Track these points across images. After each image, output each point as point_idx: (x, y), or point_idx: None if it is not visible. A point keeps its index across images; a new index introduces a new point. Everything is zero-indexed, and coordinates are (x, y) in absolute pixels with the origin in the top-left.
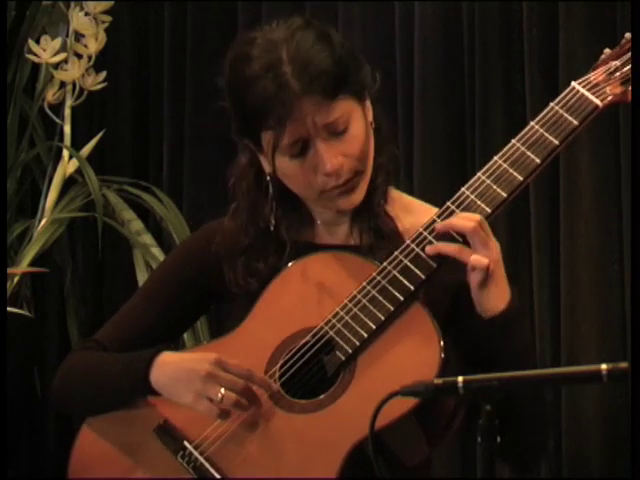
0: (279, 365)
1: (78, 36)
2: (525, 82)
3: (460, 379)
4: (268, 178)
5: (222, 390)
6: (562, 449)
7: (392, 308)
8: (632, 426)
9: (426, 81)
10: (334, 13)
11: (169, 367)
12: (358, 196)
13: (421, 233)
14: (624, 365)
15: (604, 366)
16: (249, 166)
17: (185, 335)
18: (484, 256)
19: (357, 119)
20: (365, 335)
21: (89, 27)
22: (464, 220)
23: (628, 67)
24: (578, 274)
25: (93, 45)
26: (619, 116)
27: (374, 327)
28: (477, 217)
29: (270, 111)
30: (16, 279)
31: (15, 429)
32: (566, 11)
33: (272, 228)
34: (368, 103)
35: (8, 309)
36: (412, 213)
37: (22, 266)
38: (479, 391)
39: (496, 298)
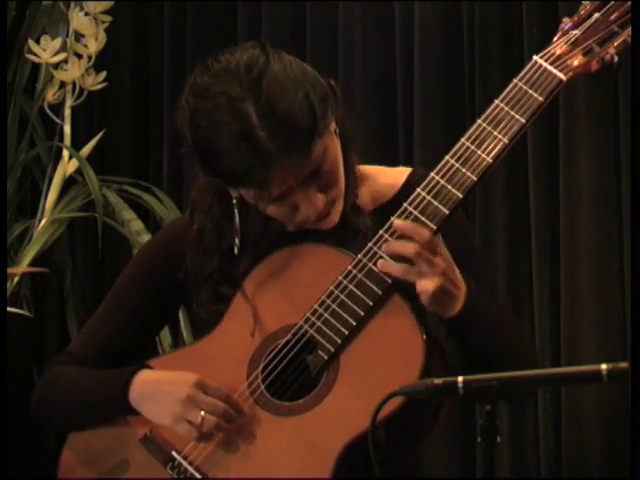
0: (261, 367)
1: (78, 36)
2: None
3: (460, 379)
4: (234, 201)
5: (202, 413)
6: (562, 449)
7: (371, 303)
8: (632, 426)
9: (426, 81)
10: (334, 13)
11: (148, 387)
12: (336, 216)
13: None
14: (624, 365)
15: (604, 366)
16: (209, 187)
17: (185, 333)
18: (430, 275)
19: (328, 148)
20: (346, 332)
21: (89, 27)
22: (405, 244)
23: (590, 37)
24: (578, 274)
25: (93, 45)
26: (619, 116)
27: (354, 324)
28: (425, 235)
29: (250, 178)
30: (16, 279)
31: (15, 429)
32: (566, 11)
33: (236, 252)
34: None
35: (8, 309)
36: (368, 182)
37: (22, 266)
38: (479, 391)
39: (451, 304)
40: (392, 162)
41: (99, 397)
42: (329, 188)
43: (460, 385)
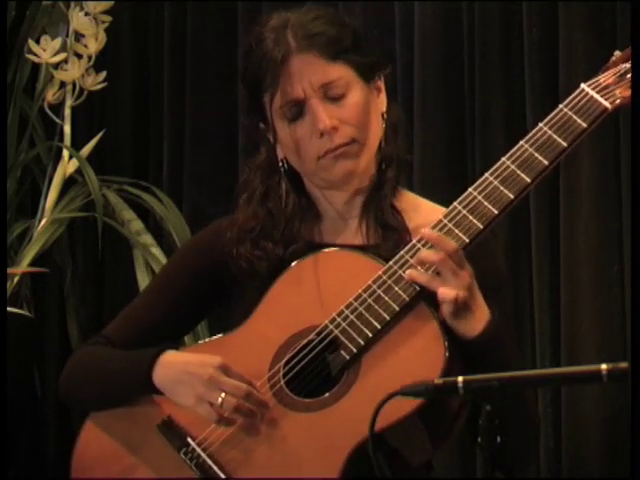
0: (283, 363)
1: (78, 36)
2: (525, 82)
3: (460, 379)
4: (281, 164)
5: (222, 394)
6: (562, 449)
7: (398, 308)
8: (632, 426)
9: (426, 81)
10: None
11: (172, 368)
12: (353, 163)
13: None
14: (624, 365)
15: (604, 366)
16: (265, 158)
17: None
18: (454, 285)
19: (358, 91)
20: (370, 335)
21: (89, 27)
22: (432, 254)
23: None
24: (578, 274)
25: (93, 45)
26: (619, 117)
27: (379, 327)
28: (452, 246)
29: (267, 69)
30: (16, 279)
31: (15, 429)
32: (566, 11)
33: (284, 205)
34: (382, 95)
35: (8, 309)
36: (420, 212)
37: (22, 266)
38: (479, 391)
39: (471, 323)
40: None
41: (124, 375)
42: (348, 122)
43: (460, 385)
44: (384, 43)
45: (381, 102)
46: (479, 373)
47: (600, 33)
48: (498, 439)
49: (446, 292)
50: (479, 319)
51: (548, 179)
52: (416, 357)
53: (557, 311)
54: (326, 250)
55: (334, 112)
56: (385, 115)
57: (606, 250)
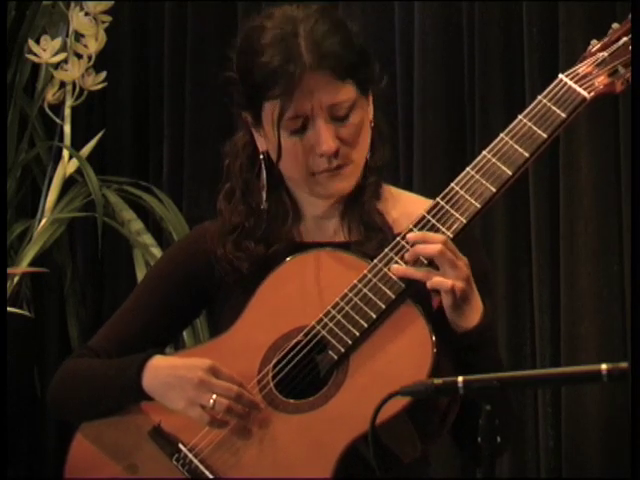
0: (272, 365)
1: (78, 36)
2: (525, 82)
3: (460, 379)
4: (261, 157)
5: (214, 396)
6: (562, 449)
7: (384, 306)
8: (632, 426)
9: (426, 81)
10: None
11: (161, 372)
12: (347, 184)
13: (411, 230)
14: (624, 365)
15: (604, 366)
16: (244, 146)
17: (185, 334)
18: (453, 277)
19: (359, 110)
20: (357, 334)
21: (89, 27)
22: (430, 244)
23: (616, 58)
24: (578, 274)
25: (93, 45)
26: (619, 116)
27: (366, 325)
28: (441, 238)
29: (278, 80)
30: (16, 279)
31: (15, 429)
32: (566, 10)
33: (263, 206)
34: (371, 105)
35: (8, 309)
36: (401, 204)
37: (22, 266)
38: (479, 391)
39: (469, 315)
40: (391, 161)
41: (113, 383)
42: (348, 143)
43: (460, 385)
44: (384, 43)
45: (370, 108)
46: (473, 367)
47: (600, 33)
48: (498, 439)
49: (441, 281)
50: (476, 310)
51: (548, 179)
52: (404, 354)
53: (557, 311)
54: (311, 250)
55: (337, 132)
56: (372, 123)
57: (606, 250)
